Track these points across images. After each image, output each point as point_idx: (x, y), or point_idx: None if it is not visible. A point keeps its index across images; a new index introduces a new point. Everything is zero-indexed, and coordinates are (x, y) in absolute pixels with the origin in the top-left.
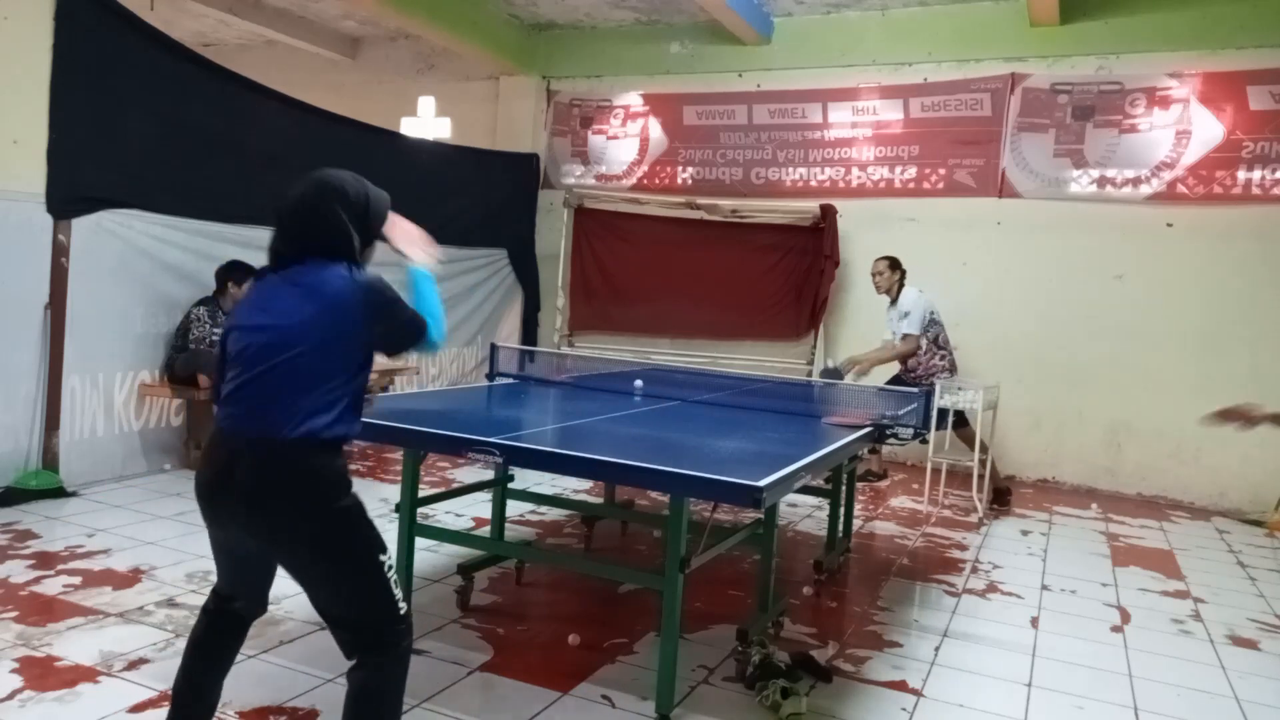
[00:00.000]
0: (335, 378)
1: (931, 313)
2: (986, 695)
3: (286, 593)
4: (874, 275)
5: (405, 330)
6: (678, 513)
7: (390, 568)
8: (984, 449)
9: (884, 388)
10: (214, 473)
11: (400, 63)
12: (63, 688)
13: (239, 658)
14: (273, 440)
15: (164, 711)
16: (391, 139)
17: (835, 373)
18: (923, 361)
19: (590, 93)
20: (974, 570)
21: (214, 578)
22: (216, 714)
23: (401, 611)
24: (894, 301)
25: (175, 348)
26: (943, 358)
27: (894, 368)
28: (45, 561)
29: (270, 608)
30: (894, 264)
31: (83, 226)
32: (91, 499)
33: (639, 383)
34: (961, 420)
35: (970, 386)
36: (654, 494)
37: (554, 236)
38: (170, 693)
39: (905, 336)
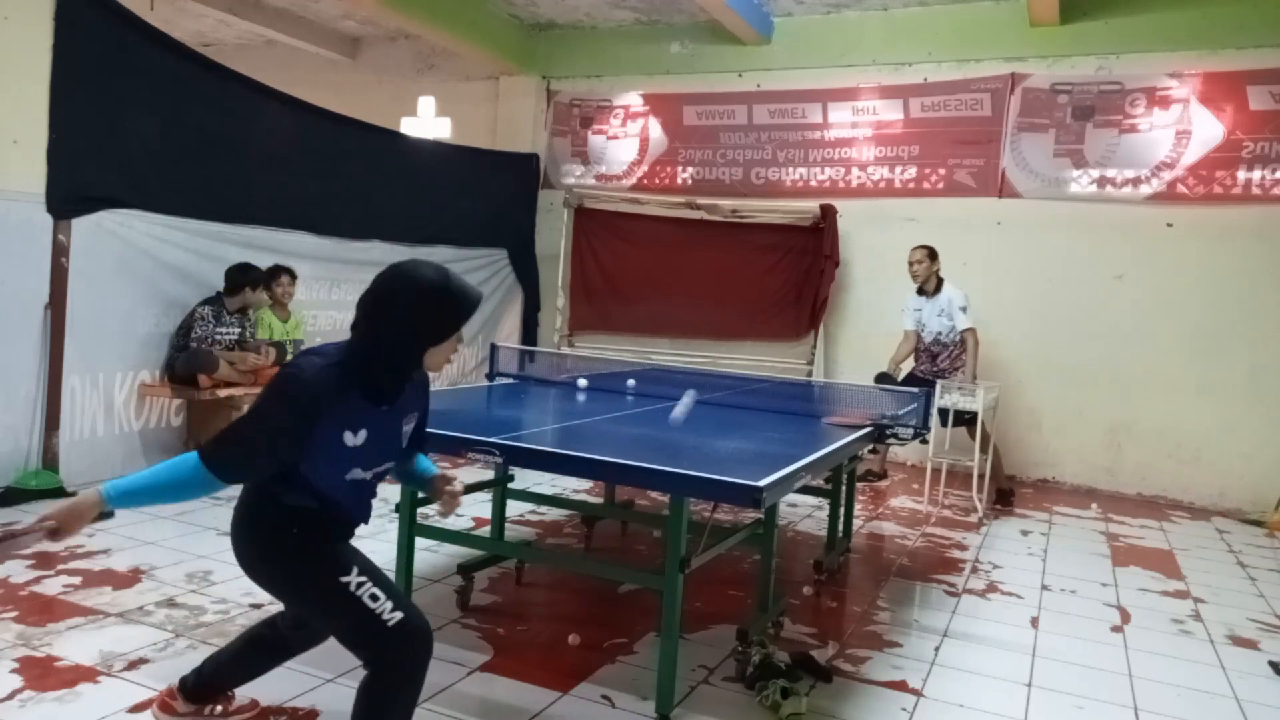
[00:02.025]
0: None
1: None
2: (986, 695)
3: None
4: (911, 264)
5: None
6: (678, 513)
7: (360, 584)
8: (996, 451)
9: (886, 388)
10: None
11: (400, 63)
12: (63, 688)
13: None
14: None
15: None
16: (392, 139)
17: (891, 379)
18: (952, 357)
19: (590, 93)
20: (974, 570)
21: (214, 577)
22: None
23: (390, 624)
24: (923, 292)
25: (176, 347)
26: (962, 355)
27: (908, 364)
28: (45, 561)
29: (270, 607)
30: (933, 254)
31: (83, 226)
32: None
33: (631, 382)
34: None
35: (970, 386)
36: (654, 494)
37: (554, 236)
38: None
39: (968, 331)
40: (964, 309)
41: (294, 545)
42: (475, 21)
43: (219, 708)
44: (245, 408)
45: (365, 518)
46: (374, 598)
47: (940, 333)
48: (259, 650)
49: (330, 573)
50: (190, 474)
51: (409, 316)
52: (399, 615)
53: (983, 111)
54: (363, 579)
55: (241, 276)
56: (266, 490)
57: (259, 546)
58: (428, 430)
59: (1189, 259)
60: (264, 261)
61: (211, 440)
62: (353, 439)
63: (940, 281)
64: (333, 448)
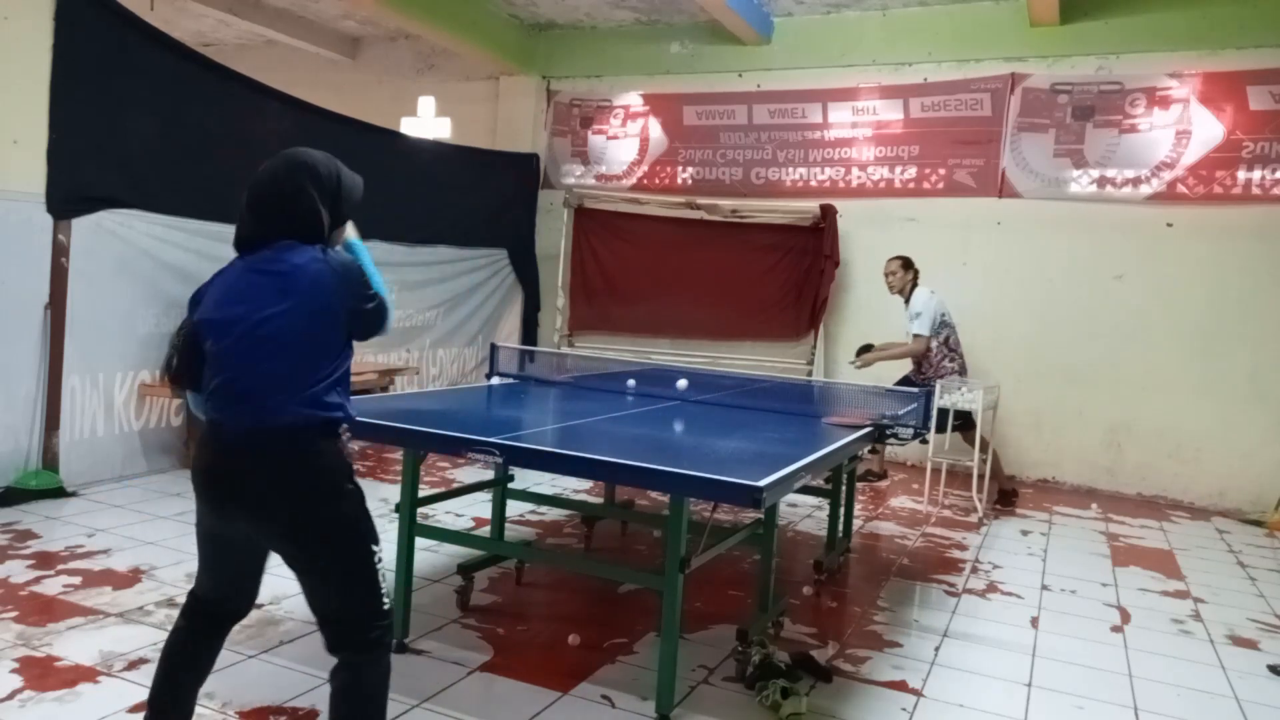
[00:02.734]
0: (322, 363)
1: (943, 315)
2: (986, 695)
3: (286, 593)
4: (887, 275)
5: (372, 315)
6: (678, 513)
7: (380, 560)
8: (990, 450)
9: (891, 388)
10: (212, 467)
11: (400, 63)
12: (63, 688)
13: (238, 658)
14: (269, 429)
15: None
16: (392, 139)
17: (867, 348)
18: (934, 363)
19: (590, 93)
20: (974, 570)
21: None
22: (216, 714)
23: (385, 607)
24: (907, 301)
25: (176, 347)
26: (953, 360)
27: (904, 368)
28: (45, 561)
29: (269, 607)
30: (907, 264)
31: (83, 226)
32: (91, 499)
33: (631, 382)
34: (968, 424)
35: (970, 386)
36: (654, 494)
37: (554, 236)
38: (146, 702)
39: (915, 337)
40: (918, 315)
41: (357, 495)
42: (475, 21)
43: None
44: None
45: None
46: (383, 577)
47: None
48: (195, 650)
49: (370, 539)
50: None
51: (322, 200)
52: (389, 602)
53: (983, 111)
54: (382, 555)
55: None
56: (329, 414)
57: (329, 481)
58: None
59: (1189, 259)
60: None
61: (382, 311)
62: None
63: (914, 289)
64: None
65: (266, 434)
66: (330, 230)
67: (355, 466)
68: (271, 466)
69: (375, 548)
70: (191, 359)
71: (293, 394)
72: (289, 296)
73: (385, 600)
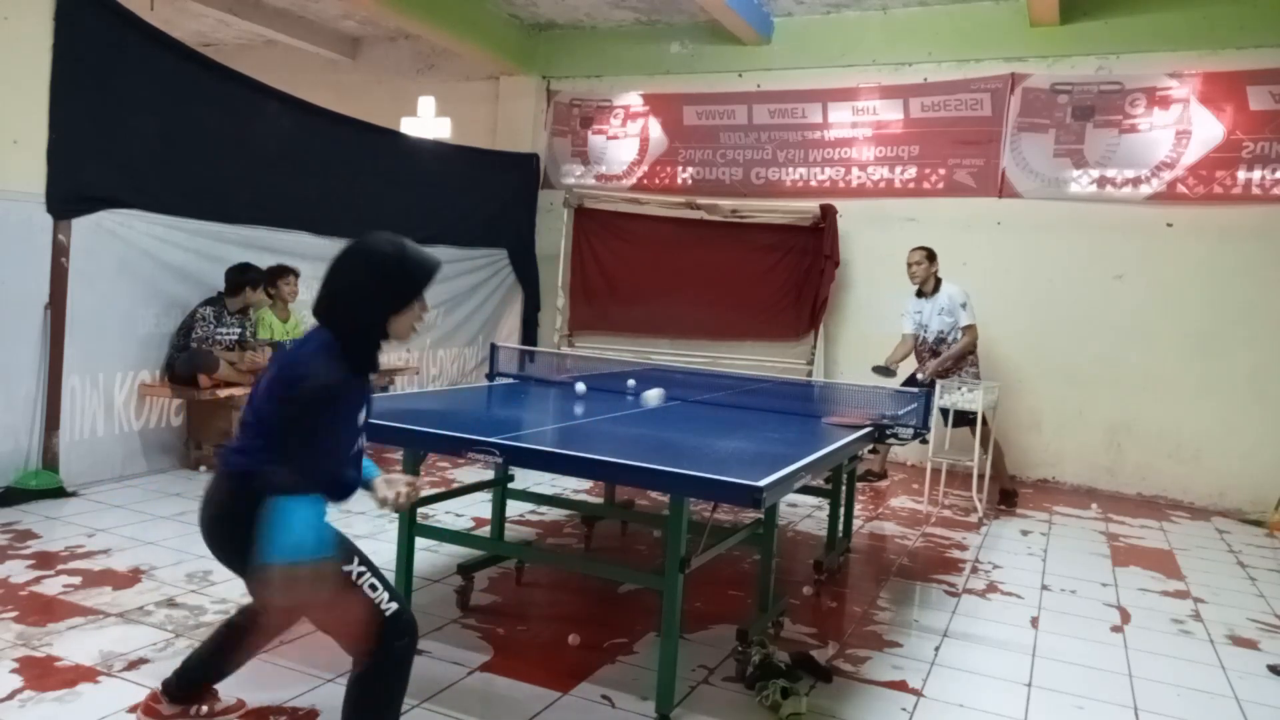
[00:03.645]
0: (280, 438)
1: None
2: (986, 695)
3: None
4: (910, 265)
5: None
6: (678, 513)
7: (361, 574)
8: (997, 450)
9: (901, 389)
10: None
11: (400, 63)
12: (63, 688)
13: None
14: (225, 473)
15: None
16: (392, 139)
17: (886, 371)
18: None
19: (590, 93)
20: (974, 570)
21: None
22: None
23: (388, 613)
24: (923, 294)
25: (176, 347)
26: (972, 353)
27: (910, 365)
28: (45, 561)
29: None
30: (931, 255)
31: (83, 226)
32: (91, 499)
33: (632, 382)
34: (982, 420)
35: (970, 386)
36: (654, 494)
37: (554, 236)
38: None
39: (968, 328)
40: (964, 305)
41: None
42: (475, 21)
43: (204, 708)
44: None
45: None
46: (373, 588)
47: (943, 331)
48: (237, 639)
49: (337, 559)
50: (294, 508)
51: (368, 286)
52: (395, 606)
53: (983, 111)
54: (363, 569)
55: (240, 276)
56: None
57: (242, 535)
58: (428, 430)
59: (1189, 259)
60: (264, 262)
61: (276, 477)
62: (361, 416)
63: (939, 281)
64: (350, 427)
65: (221, 477)
66: (387, 317)
67: None
68: (212, 511)
69: (347, 566)
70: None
71: (253, 448)
72: (272, 370)
73: (384, 608)
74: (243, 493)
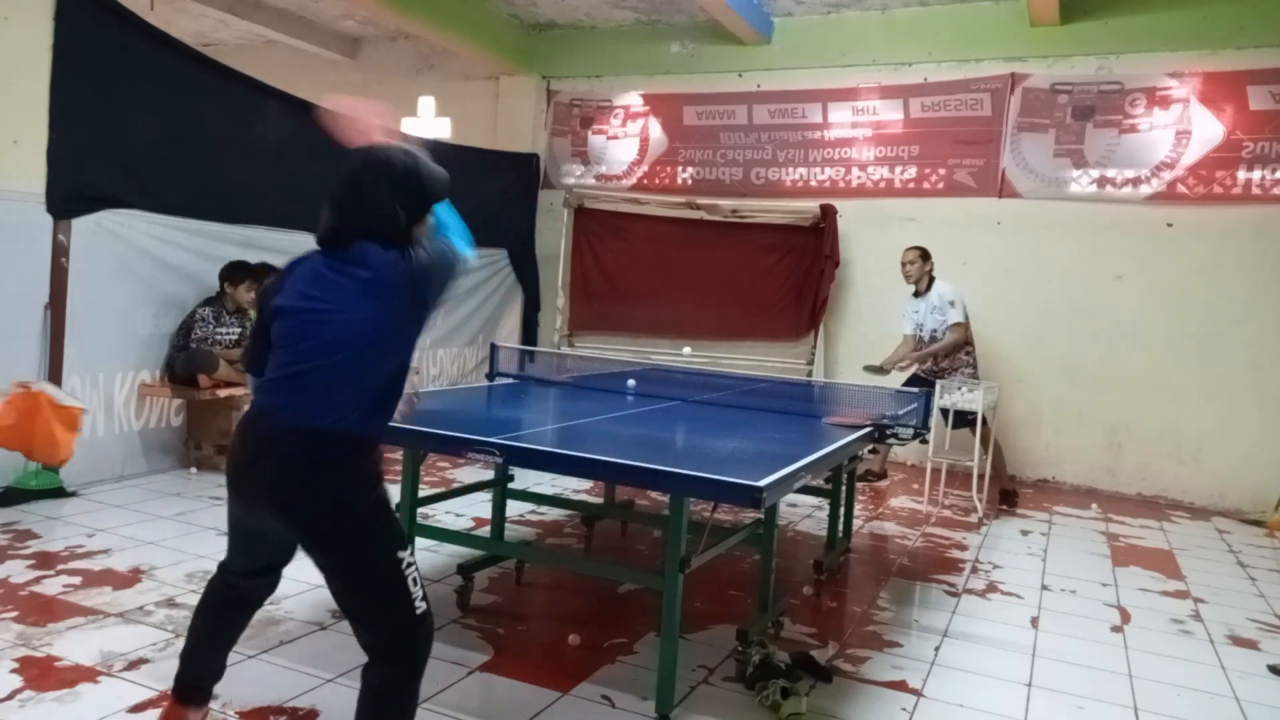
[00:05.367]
0: (382, 377)
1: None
2: (986, 695)
3: (286, 593)
4: (904, 265)
5: (447, 282)
6: (678, 513)
7: (410, 565)
8: (997, 450)
9: (902, 389)
10: (245, 455)
11: (400, 63)
12: (63, 688)
13: (238, 658)
14: (311, 430)
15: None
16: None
17: (879, 370)
18: (951, 356)
19: (590, 93)
20: (974, 570)
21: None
22: (217, 714)
23: (419, 612)
24: (919, 293)
25: (176, 347)
26: (968, 352)
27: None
28: (45, 561)
29: (269, 608)
30: (925, 254)
31: (83, 226)
32: (91, 499)
33: (632, 382)
34: (982, 420)
35: (970, 386)
36: (654, 494)
37: (554, 236)
38: (179, 656)
39: (955, 325)
40: (953, 303)
41: (379, 505)
42: (475, 21)
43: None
44: (246, 408)
45: None
46: (414, 582)
47: (936, 329)
48: (219, 615)
49: (394, 546)
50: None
51: (401, 195)
52: (425, 606)
53: (983, 111)
54: (412, 561)
55: (226, 275)
56: (365, 429)
57: (357, 490)
58: (428, 430)
59: (1189, 259)
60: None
61: (454, 270)
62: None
63: (932, 280)
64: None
65: (307, 434)
66: (410, 226)
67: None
68: (304, 468)
69: (402, 554)
70: (259, 343)
71: (342, 402)
72: (371, 307)
73: (417, 606)
74: (358, 454)
